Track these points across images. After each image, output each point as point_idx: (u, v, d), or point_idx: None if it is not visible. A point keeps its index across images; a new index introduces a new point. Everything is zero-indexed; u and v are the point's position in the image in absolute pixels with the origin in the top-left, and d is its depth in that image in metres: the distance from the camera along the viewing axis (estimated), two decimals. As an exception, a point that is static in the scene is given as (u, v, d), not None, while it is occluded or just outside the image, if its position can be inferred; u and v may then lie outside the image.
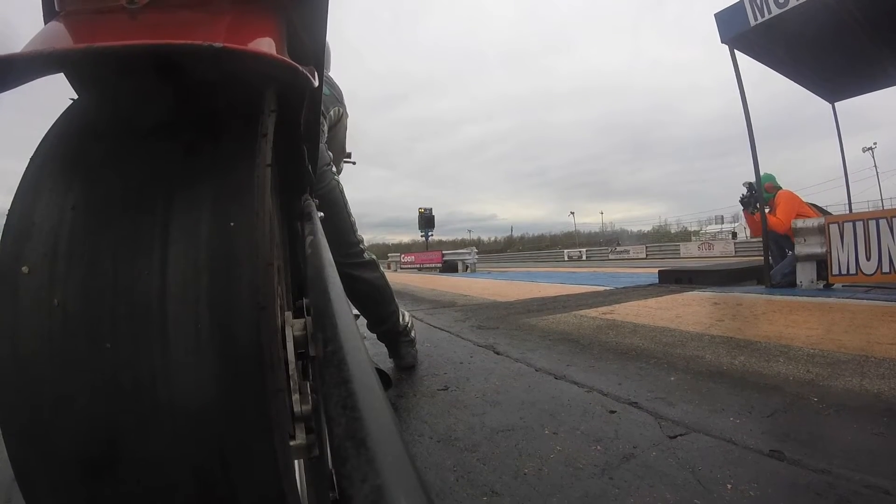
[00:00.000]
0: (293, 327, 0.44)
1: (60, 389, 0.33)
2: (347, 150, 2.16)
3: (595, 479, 0.99)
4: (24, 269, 0.35)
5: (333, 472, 0.44)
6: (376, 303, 1.90)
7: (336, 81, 1.90)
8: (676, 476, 0.98)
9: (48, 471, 0.34)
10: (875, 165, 35.05)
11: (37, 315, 0.34)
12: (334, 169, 1.83)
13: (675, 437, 1.18)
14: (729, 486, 0.93)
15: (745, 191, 5.04)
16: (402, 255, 23.41)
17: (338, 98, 1.88)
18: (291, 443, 0.41)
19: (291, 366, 0.43)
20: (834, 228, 4.19)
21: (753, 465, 1.01)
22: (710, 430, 1.20)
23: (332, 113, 1.83)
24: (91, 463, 0.33)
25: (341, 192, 1.79)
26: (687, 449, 1.11)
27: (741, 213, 5.41)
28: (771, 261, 4.88)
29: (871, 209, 7.65)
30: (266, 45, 0.39)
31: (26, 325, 0.34)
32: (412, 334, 2.10)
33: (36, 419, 0.33)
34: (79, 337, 0.34)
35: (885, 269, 3.88)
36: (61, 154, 0.40)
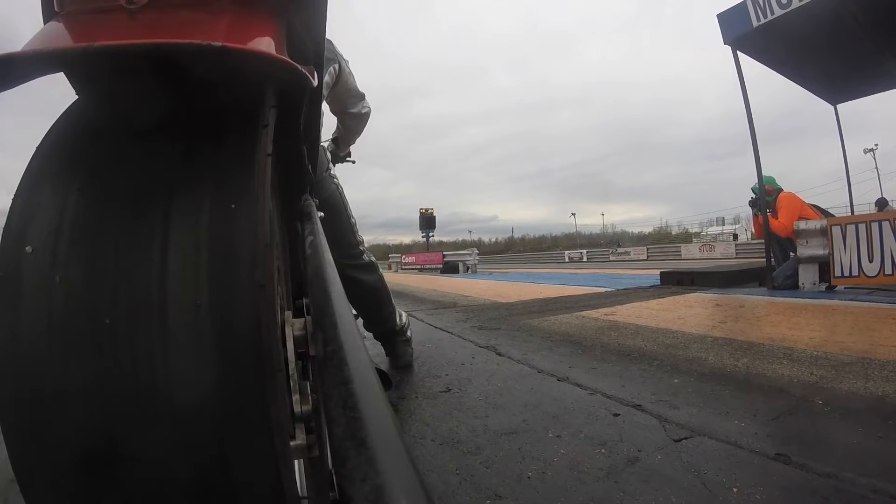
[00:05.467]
0: (293, 327, 0.44)
1: (59, 366, 0.34)
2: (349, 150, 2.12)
3: (600, 482, 0.98)
4: (28, 248, 0.36)
5: (333, 472, 0.44)
6: (374, 305, 1.90)
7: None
8: (682, 480, 0.97)
9: (49, 445, 0.34)
10: (876, 167, 34.99)
11: (38, 292, 0.35)
12: (333, 172, 1.82)
13: (680, 440, 1.17)
14: (735, 490, 0.92)
15: (753, 194, 5.06)
16: (403, 256, 23.41)
17: (330, 56, 1.69)
18: (291, 443, 0.41)
19: (291, 365, 0.43)
20: (836, 230, 4.18)
21: (759, 469, 1.00)
22: (715, 434, 1.19)
23: (327, 77, 1.67)
24: (91, 442, 0.34)
25: (341, 194, 1.79)
26: (692, 452, 1.10)
27: (742, 215, 5.45)
28: (773, 262, 4.87)
29: (873, 211, 7.68)
30: (265, 44, 0.39)
31: (28, 303, 0.35)
32: (408, 334, 2.09)
33: (36, 398, 0.33)
34: (79, 312, 0.34)
35: (888, 270, 3.86)
36: (63, 148, 0.40)
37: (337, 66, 1.72)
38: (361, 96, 1.91)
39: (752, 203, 5.11)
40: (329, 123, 2.04)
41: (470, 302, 4.85)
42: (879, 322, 2.65)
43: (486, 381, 1.77)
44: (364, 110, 1.95)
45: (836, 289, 4.26)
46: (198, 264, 0.36)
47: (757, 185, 4.96)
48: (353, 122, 1.96)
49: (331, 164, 1.85)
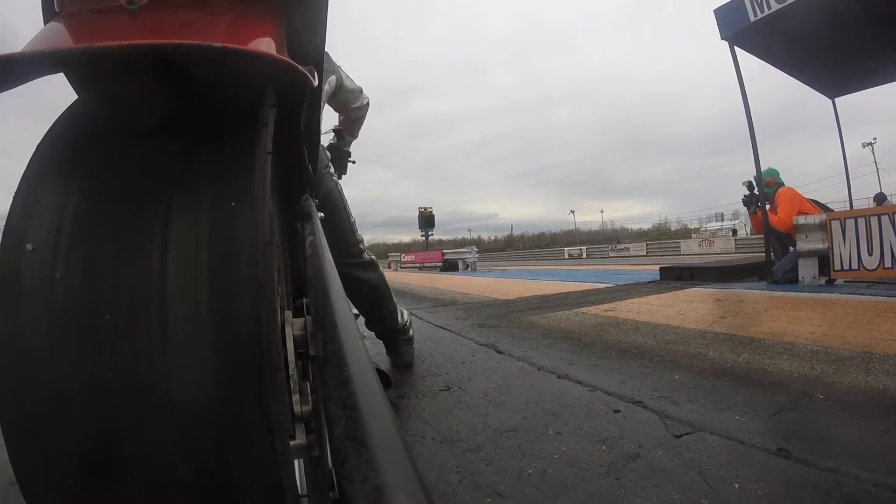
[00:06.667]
0: (293, 326, 0.44)
1: (60, 364, 0.34)
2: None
3: (600, 479, 0.98)
4: (29, 246, 0.36)
5: (333, 472, 0.44)
6: (375, 302, 1.91)
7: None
8: (683, 476, 0.97)
9: (49, 444, 0.34)
10: (875, 161, 34.98)
11: (39, 290, 0.35)
12: (332, 170, 1.82)
13: (681, 436, 1.17)
14: (736, 486, 0.92)
15: (746, 191, 5.04)
16: (403, 255, 23.43)
17: (329, 68, 1.74)
18: (291, 443, 0.41)
19: (291, 365, 0.43)
20: (836, 225, 4.18)
21: (760, 464, 1.01)
22: (716, 429, 1.19)
23: (326, 86, 1.72)
24: (91, 441, 0.34)
25: (340, 193, 1.79)
26: (693, 448, 1.10)
27: (741, 210, 5.46)
28: (773, 257, 4.88)
29: (871, 205, 7.73)
30: (265, 44, 0.39)
31: (28, 300, 0.35)
32: (410, 332, 2.10)
33: (36, 396, 0.34)
34: (79, 310, 0.34)
35: (888, 264, 3.87)
36: (64, 148, 0.40)
37: (334, 77, 1.77)
38: (360, 90, 1.97)
39: (746, 201, 5.10)
40: (328, 119, 2.06)
41: (469, 299, 4.85)
42: (880, 316, 2.65)
43: (486, 378, 1.77)
44: (364, 101, 2.02)
45: (836, 283, 4.27)
46: (198, 262, 0.36)
47: (749, 180, 4.95)
48: (355, 114, 2.03)
49: (330, 162, 1.85)
